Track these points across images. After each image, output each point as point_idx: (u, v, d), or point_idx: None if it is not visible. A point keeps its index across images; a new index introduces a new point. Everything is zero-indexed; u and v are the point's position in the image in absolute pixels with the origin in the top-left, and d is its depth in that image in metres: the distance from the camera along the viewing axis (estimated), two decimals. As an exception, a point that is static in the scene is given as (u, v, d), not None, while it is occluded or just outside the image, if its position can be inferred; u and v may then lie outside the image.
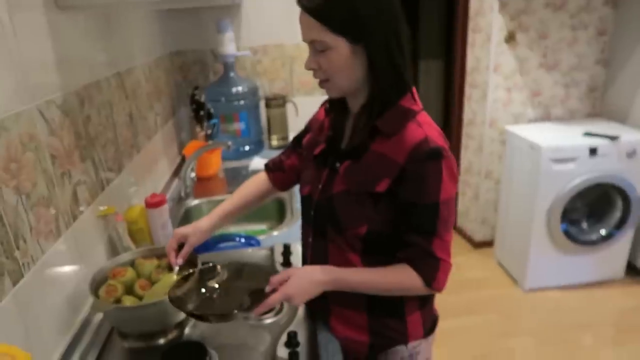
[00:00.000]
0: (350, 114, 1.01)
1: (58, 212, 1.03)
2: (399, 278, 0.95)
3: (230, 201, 1.22)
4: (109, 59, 1.43)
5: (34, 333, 0.90)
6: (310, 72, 0.95)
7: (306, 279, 0.92)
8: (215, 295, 0.99)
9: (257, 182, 1.27)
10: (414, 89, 0.96)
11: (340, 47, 0.87)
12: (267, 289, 0.91)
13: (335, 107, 1.04)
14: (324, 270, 0.95)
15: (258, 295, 0.93)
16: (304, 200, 1.08)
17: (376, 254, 0.97)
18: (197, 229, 1.14)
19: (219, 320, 0.93)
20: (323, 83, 0.94)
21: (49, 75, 1.05)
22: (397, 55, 0.88)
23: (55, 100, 1.05)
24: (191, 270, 1.05)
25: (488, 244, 3.28)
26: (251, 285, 0.98)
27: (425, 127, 0.91)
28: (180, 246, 1.13)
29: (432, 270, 0.93)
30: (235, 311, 0.90)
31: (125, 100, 1.54)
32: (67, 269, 1.06)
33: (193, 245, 1.13)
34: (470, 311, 2.67)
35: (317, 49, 0.89)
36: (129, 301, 1.02)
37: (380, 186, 0.91)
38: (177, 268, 1.10)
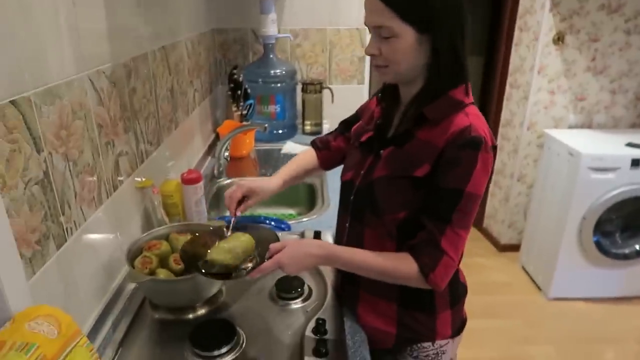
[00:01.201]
0: (401, 103, 1.01)
1: (100, 181, 1.05)
2: (395, 263, 0.93)
3: (294, 168, 1.25)
4: (156, 32, 1.44)
5: (72, 296, 0.93)
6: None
7: (300, 251, 0.94)
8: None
9: (308, 156, 1.29)
10: (469, 83, 0.94)
11: (407, 35, 0.86)
12: (267, 256, 0.94)
13: (386, 96, 1.04)
14: (319, 244, 0.97)
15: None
16: (345, 185, 1.09)
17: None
18: (265, 190, 1.16)
19: (219, 279, 1.01)
20: (380, 68, 0.94)
21: (101, 45, 1.06)
22: (460, 47, 0.87)
23: (105, 70, 1.06)
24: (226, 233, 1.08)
25: (513, 247, 3.22)
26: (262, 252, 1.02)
27: (472, 117, 0.90)
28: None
29: (432, 260, 0.90)
30: (233, 274, 0.96)
31: (168, 74, 1.55)
32: (105, 236, 1.08)
33: (255, 202, 1.15)
34: (491, 314, 2.64)
35: (382, 35, 0.88)
36: (163, 274, 1.04)
37: (420, 171, 0.91)
38: (233, 219, 1.11)
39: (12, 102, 0.73)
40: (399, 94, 1.01)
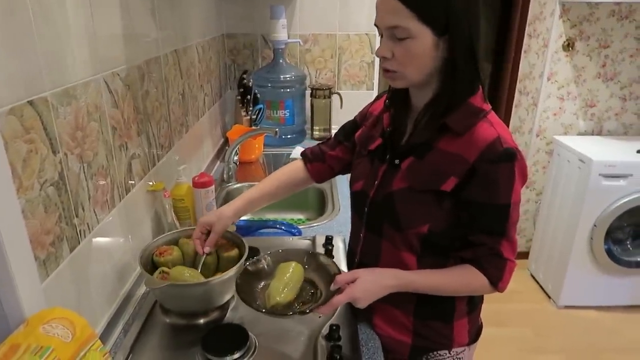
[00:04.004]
0: (412, 109, 0.98)
1: (113, 184, 1.04)
2: (466, 279, 0.93)
3: (259, 188, 1.18)
4: (169, 36, 1.44)
5: (84, 299, 0.92)
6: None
7: (374, 283, 0.90)
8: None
9: (291, 171, 1.22)
10: (482, 88, 0.92)
11: (424, 37, 0.83)
12: (332, 287, 0.90)
13: (396, 101, 1.00)
14: (394, 275, 0.93)
15: (315, 291, 0.95)
16: (356, 196, 1.05)
17: (433, 254, 0.95)
18: (222, 216, 1.09)
19: (287, 317, 0.95)
20: (389, 73, 0.90)
21: (116, 47, 1.06)
22: (477, 50, 0.85)
23: (120, 72, 1.06)
24: (255, 258, 1.04)
25: (522, 255, 3.19)
26: (313, 279, 0.99)
27: (497, 127, 0.88)
28: (207, 234, 1.09)
29: (499, 270, 0.91)
30: (295, 310, 0.91)
31: (179, 78, 1.55)
32: (117, 240, 1.08)
33: (219, 233, 1.08)
34: (500, 323, 2.61)
35: (397, 36, 0.84)
36: (177, 272, 1.03)
37: (447, 185, 0.88)
38: (204, 256, 1.08)
39: (30, 102, 0.73)
40: (409, 98, 0.98)
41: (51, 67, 0.79)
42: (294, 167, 1.23)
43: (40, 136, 0.76)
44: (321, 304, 0.88)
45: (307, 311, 0.88)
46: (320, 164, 1.20)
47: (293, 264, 0.99)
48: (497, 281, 0.92)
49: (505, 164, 0.85)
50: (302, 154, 1.24)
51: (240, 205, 1.13)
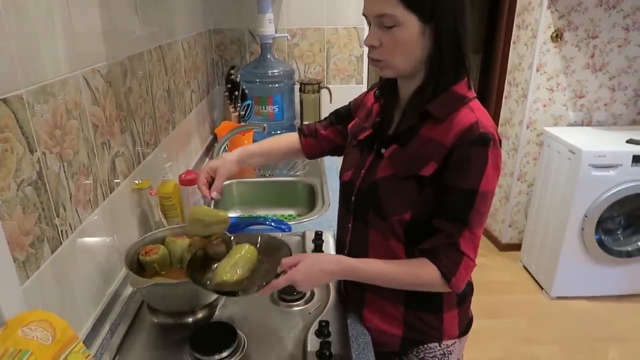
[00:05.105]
0: (400, 100, 0.98)
1: (97, 182, 1.02)
2: (416, 272, 0.91)
3: (257, 145, 1.23)
4: (152, 31, 1.42)
5: (68, 301, 0.90)
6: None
7: (316, 267, 0.91)
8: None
9: (287, 139, 1.26)
10: (467, 77, 0.91)
11: (411, 24, 0.83)
12: (278, 270, 0.90)
13: (385, 92, 1.01)
14: (336, 260, 0.94)
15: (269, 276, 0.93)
16: (345, 186, 1.06)
17: (419, 242, 0.93)
18: (226, 161, 1.12)
19: (228, 295, 0.98)
20: (376, 62, 0.90)
21: (96, 43, 1.03)
22: (463, 38, 0.85)
23: (100, 69, 1.04)
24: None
25: (514, 247, 3.20)
26: (271, 265, 0.97)
27: (477, 112, 0.87)
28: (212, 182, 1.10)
29: (453, 264, 0.88)
30: (240, 291, 0.90)
31: (164, 74, 1.53)
32: (101, 239, 1.06)
33: (224, 176, 1.09)
34: (493, 314, 2.62)
35: (385, 24, 0.84)
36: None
37: (426, 170, 0.88)
38: (213, 202, 1.06)
39: (4, 100, 0.71)
40: (397, 89, 0.99)
41: (26, 64, 0.76)
42: (291, 138, 1.26)
43: (16, 135, 0.74)
44: (262, 286, 0.88)
45: (249, 291, 0.88)
46: (313, 139, 1.24)
47: (246, 245, 0.99)
48: (450, 276, 0.88)
49: (478, 147, 0.84)
50: (299, 128, 1.28)
51: (242, 153, 1.17)
